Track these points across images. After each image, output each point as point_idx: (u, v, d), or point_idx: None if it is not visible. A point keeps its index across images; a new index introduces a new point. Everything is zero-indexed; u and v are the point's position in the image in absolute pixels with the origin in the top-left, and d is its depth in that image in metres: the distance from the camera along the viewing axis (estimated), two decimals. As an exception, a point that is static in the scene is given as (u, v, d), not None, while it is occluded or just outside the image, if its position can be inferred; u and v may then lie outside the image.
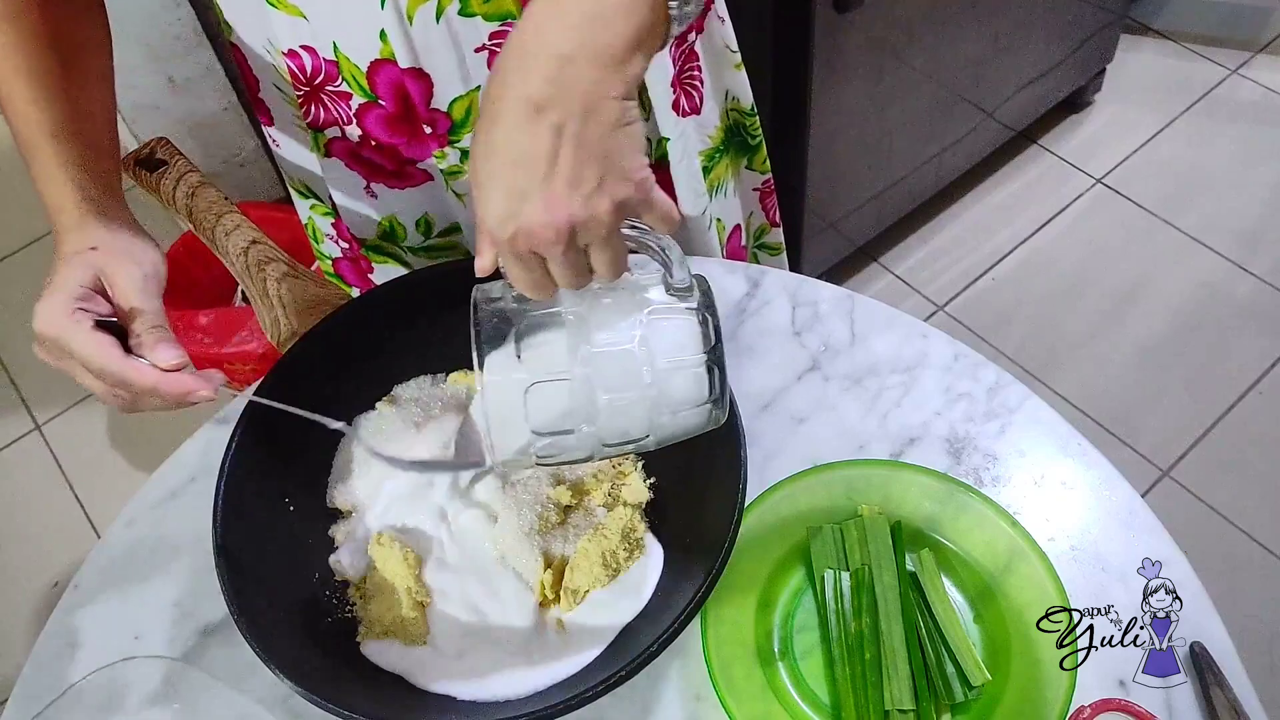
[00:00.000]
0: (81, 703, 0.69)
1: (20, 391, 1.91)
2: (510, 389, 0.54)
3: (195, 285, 1.64)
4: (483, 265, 0.53)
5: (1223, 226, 1.90)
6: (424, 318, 0.75)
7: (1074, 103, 2.06)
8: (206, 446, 0.81)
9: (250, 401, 0.69)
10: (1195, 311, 1.79)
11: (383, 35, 0.68)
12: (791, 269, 0.90)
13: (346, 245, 0.91)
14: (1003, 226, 1.94)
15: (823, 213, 1.63)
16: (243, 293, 1.60)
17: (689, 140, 0.85)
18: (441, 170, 0.78)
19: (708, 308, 0.56)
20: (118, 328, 0.60)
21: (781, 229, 1.08)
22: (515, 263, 0.50)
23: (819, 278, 0.87)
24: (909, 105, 1.60)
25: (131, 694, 0.70)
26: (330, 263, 0.95)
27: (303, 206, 0.91)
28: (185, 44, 1.75)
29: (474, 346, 0.54)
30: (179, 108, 1.82)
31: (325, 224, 0.90)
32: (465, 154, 0.77)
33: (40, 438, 1.85)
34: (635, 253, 0.53)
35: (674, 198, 0.88)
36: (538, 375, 0.54)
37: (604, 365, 0.55)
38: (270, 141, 0.86)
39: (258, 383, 0.71)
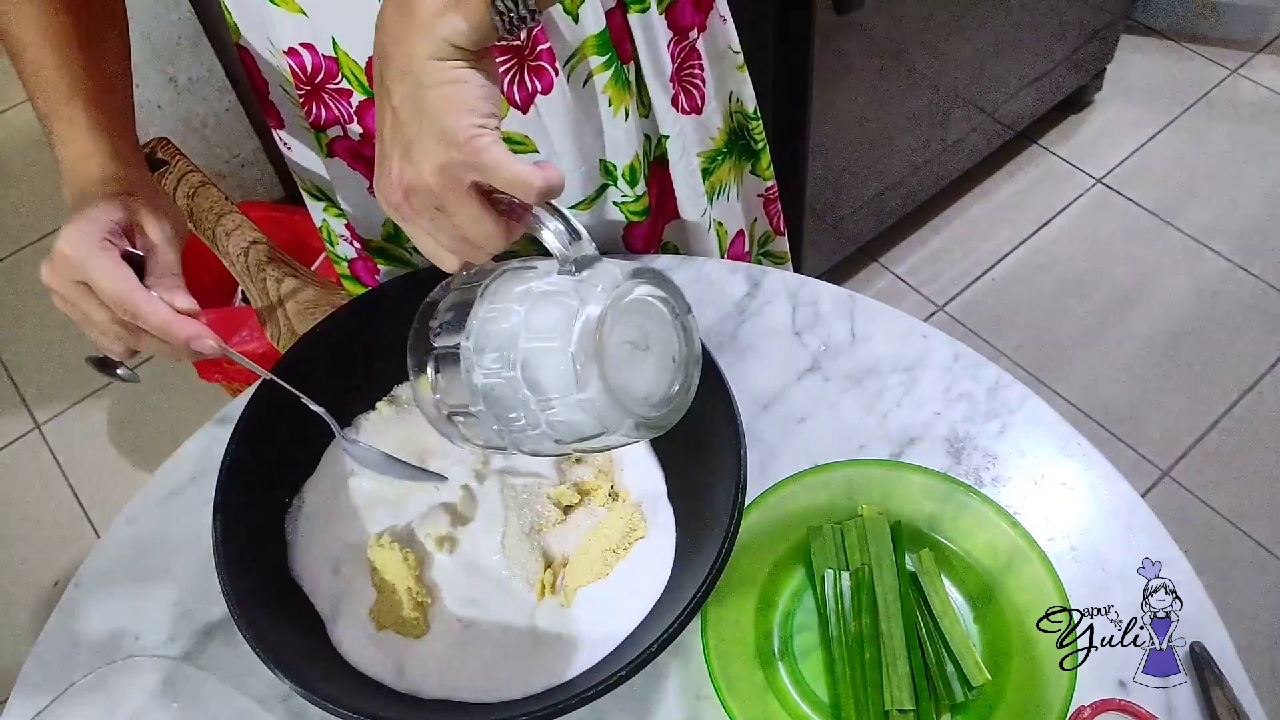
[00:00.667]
0: (81, 703, 0.69)
1: (20, 391, 1.91)
2: (419, 352, 0.56)
3: (195, 285, 1.63)
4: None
5: (1223, 226, 1.90)
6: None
7: (1074, 103, 2.06)
8: (206, 446, 0.81)
9: (256, 391, 0.69)
10: (1195, 311, 1.79)
11: None
12: (792, 269, 0.90)
13: (359, 246, 0.91)
14: (1003, 226, 1.94)
15: (823, 213, 1.63)
16: (243, 293, 1.60)
17: (688, 139, 0.85)
18: None
19: (596, 291, 0.52)
20: (137, 267, 0.62)
21: (786, 237, 1.07)
22: (404, 228, 0.53)
23: (819, 278, 0.87)
24: (909, 105, 1.60)
25: (131, 694, 0.70)
26: (346, 264, 0.95)
27: (316, 209, 0.91)
28: (186, 44, 1.75)
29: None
30: (180, 108, 1.82)
31: (339, 225, 0.90)
32: None
33: (40, 438, 1.85)
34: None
35: (673, 197, 0.88)
36: (439, 345, 0.55)
37: (482, 342, 0.54)
38: (281, 144, 0.86)
39: (252, 389, 0.71)
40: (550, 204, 0.52)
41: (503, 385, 0.53)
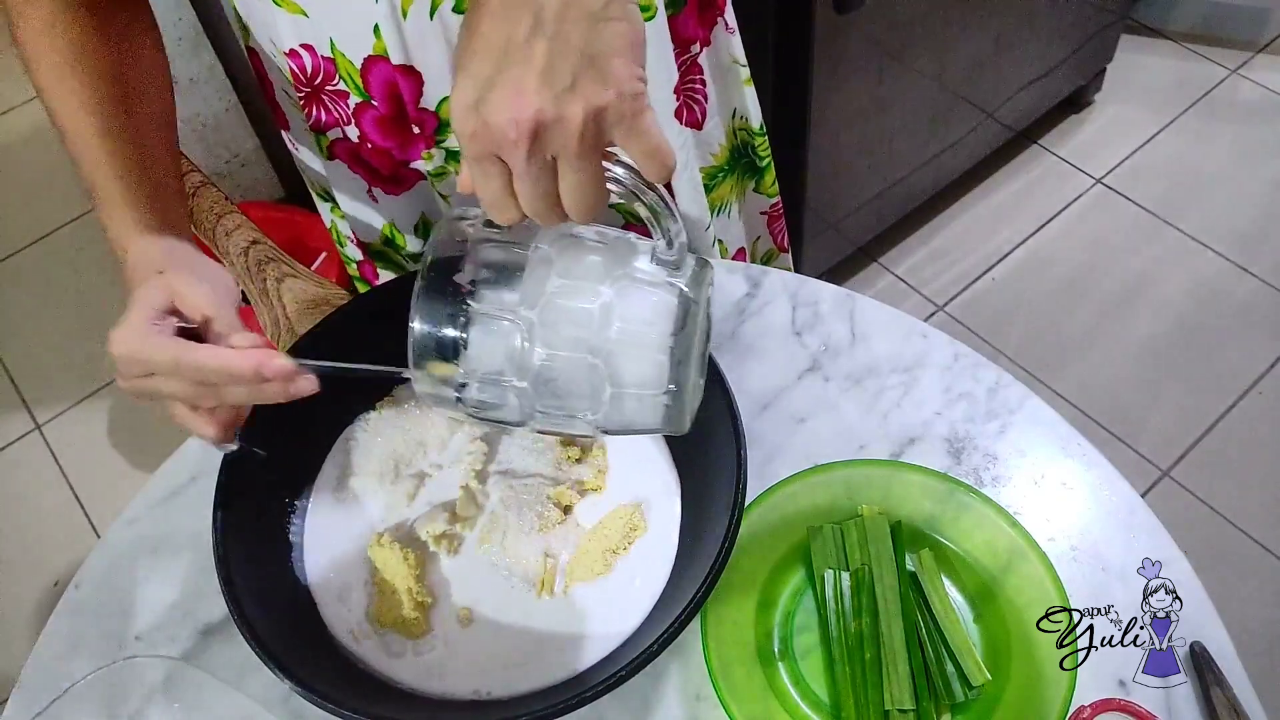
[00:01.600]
0: (81, 703, 0.69)
1: (20, 391, 1.91)
2: (443, 307, 0.49)
3: (195, 285, 1.64)
4: (463, 179, 0.47)
5: (1223, 226, 1.90)
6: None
7: (1074, 103, 2.06)
8: (206, 446, 0.81)
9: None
10: (1195, 311, 1.79)
11: (376, 30, 0.68)
12: (792, 269, 0.90)
13: (363, 249, 0.91)
14: (1003, 226, 1.94)
15: (823, 213, 1.63)
16: (243, 293, 1.60)
17: (689, 152, 0.84)
18: (428, 171, 0.78)
19: (695, 289, 0.50)
20: (198, 335, 0.59)
21: (790, 254, 1.06)
22: (476, 168, 0.45)
23: (819, 278, 0.87)
24: (909, 105, 1.60)
25: (131, 694, 0.70)
26: (355, 265, 0.95)
27: (324, 209, 0.91)
28: (187, 45, 1.75)
29: (424, 256, 0.50)
30: (180, 108, 1.80)
31: (345, 227, 0.90)
32: (450, 154, 0.77)
33: (40, 438, 1.85)
34: (630, 225, 0.49)
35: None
36: (480, 306, 0.49)
37: (553, 317, 0.49)
38: (291, 145, 0.86)
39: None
40: (664, 190, 0.48)
41: (570, 368, 0.49)
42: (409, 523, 0.73)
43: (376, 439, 0.76)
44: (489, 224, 0.50)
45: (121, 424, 1.85)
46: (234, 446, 0.63)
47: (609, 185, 0.46)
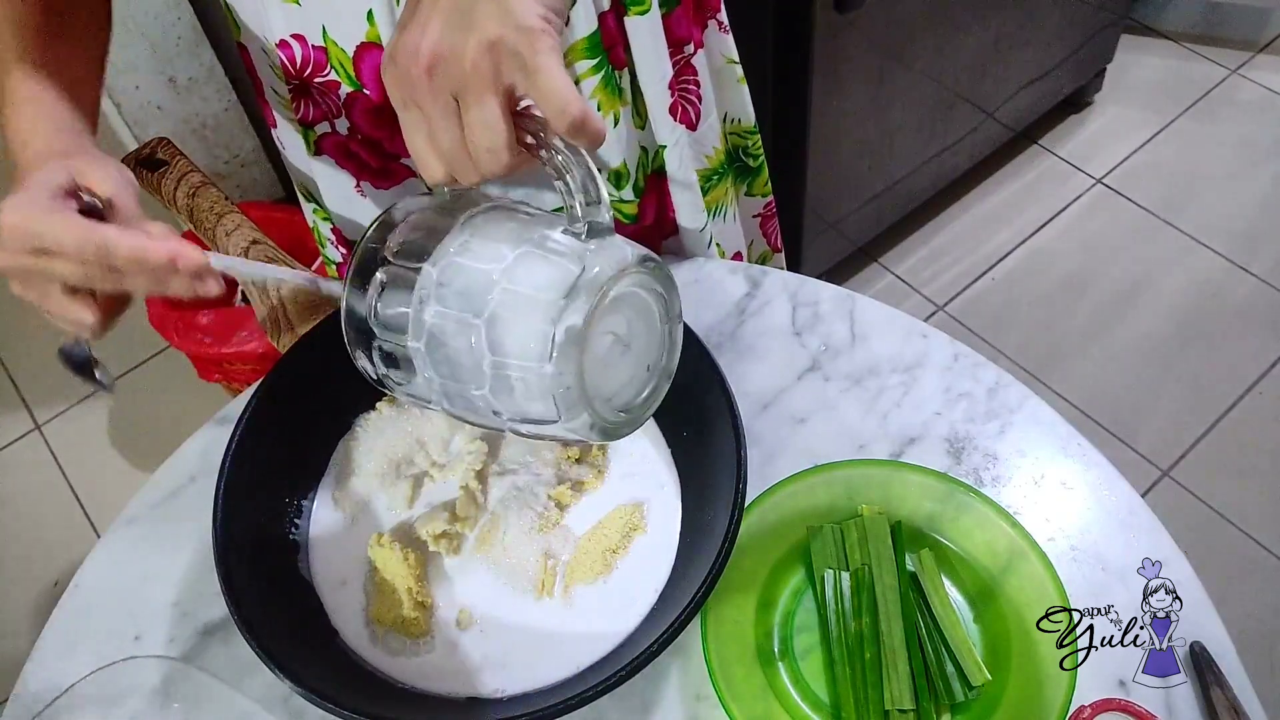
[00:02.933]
0: (81, 703, 0.69)
1: (20, 391, 1.91)
2: (372, 257, 0.49)
3: (195, 285, 1.64)
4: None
5: (1223, 226, 1.90)
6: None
7: (1074, 103, 2.06)
8: (206, 446, 0.81)
9: (257, 390, 0.69)
10: (1195, 311, 1.79)
11: (370, 17, 0.67)
12: (791, 269, 0.90)
13: (344, 251, 0.91)
14: (1003, 226, 1.94)
15: (823, 213, 1.63)
16: (243, 293, 1.60)
17: (684, 149, 0.84)
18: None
19: (606, 264, 0.46)
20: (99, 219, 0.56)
21: (784, 254, 1.06)
22: (402, 117, 0.46)
23: (819, 278, 0.87)
24: (909, 105, 1.60)
25: (131, 694, 0.70)
26: (335, 267, 0.95)
27: (307, 210, 0.91)
28: (186, 44, 1.75)
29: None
30: (180, 108, 1.82)
31: (327, 229, 0.90)
32: None
33: (40, 438, 1.85)
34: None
35: (671, 209, 0.87)
36: (396, 262, 0.49)
37: (449, 275, 0.47)
38: (278, 144, 0.86)
39: (252, 389, 0.71)
40: (581, 152, 0.46)
41: (456, 331, 0.47)
42: (409, 523, 0.73)
43: (377, 439, 0.76)
44: (441, 195, 0.50)
45: (121, 424, 1.85)
46: (90, 341, 0.61)
47: (528, 141, 0.45)
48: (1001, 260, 1.90)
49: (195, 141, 1.87)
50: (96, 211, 0.57)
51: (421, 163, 0.47)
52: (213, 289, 0.56)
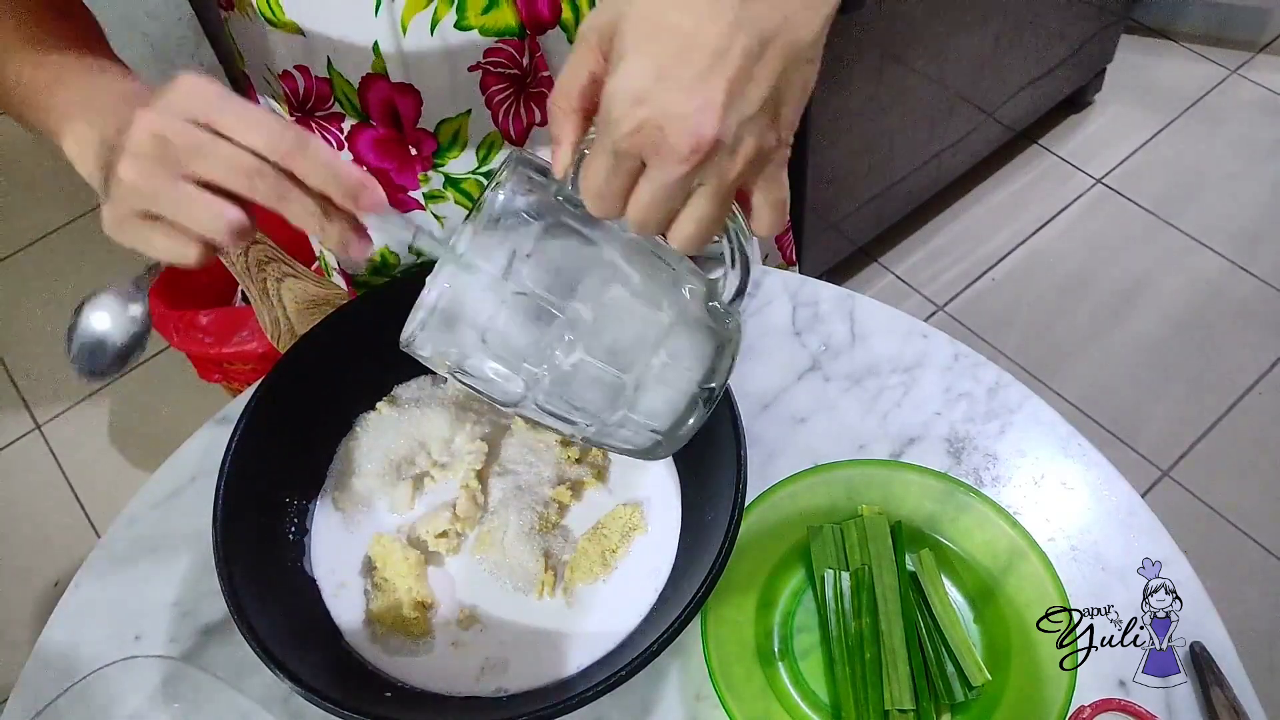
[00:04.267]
0: (81, 703, 0.69)
1: (20, 391, 1.91)
2: (485, 269, 0.45)
3: (195, 285, 1.64)
4: (561, 162, 0.43)
5: (1223, 226, 1.90)
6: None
7: (1074, 103, 2.06)
8: (206, 446, 0.81)
9: (257, 390, 0.69)
10: (1195, 311, 1.79)
11: (376, 48, 0.66)
12: (792, 269, 0.90)
13: (346, 279, 0.90)
14: (1003, 226, 1.94)
15: (823, 213, 1.63)
16: (243, 293, 1.60)
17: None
18: (423, 194, 0.77)
19: (735, 347, 0.49)
20: None
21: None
22: (609, 160, 0.40)
23: (819, 278, 0.87)
24: (909, 105, 1.60)
25: (131, 694, 0.70)
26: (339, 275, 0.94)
27: (314, 237, 0.90)
28: (187, 44, 1.75)
29: (484, 197, 0.45)
30: (179, 108, 1.82)
31: (331, 258, 0.89)
32: (449, 179, 0.75)
33: (40, 438, 1.85)
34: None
35: None
36: (524, 283, 0.45)
37: (603, 324, 0.46)
38: None
39: (252, 389, 0.71)
40: (757, 248, 0.47)
41: (593, 377, 0.46)
42: (409, 522, 0.73)
43: (377, 439, 0.76)
44: (564, 198, 0.46)
45: (121, 424, 1.85)
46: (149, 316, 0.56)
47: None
48: (1001, 260, 1.90)
49: (195, 141, 1.87)
50: None
51: (603, 200, 0.42)
52: (365, 250, 0.49)
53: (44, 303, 2.00)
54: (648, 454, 0.51)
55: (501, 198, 0.45)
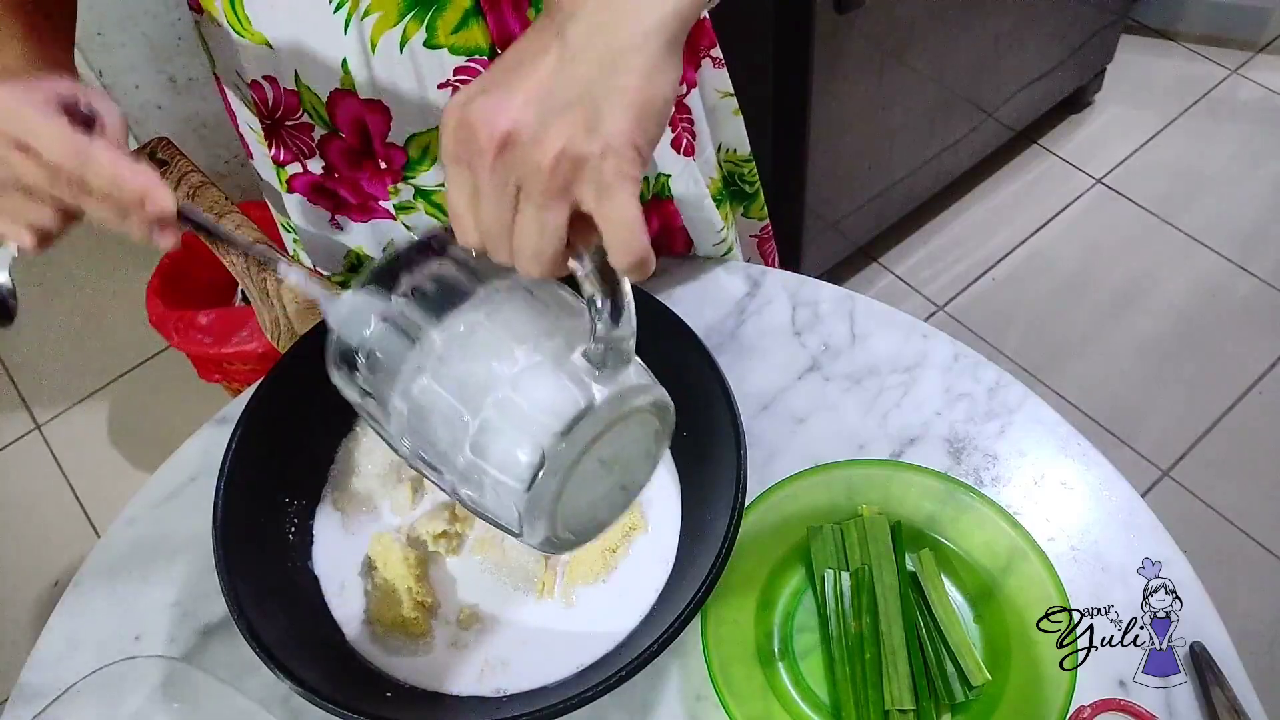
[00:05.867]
0: (81, 703, 0.69)
1: (20, 391, 1.91)
2: (379, 289, 0.47)
3: (195, 285, 1.64)
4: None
5: (1223, 226, 1.90)
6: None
7: (1074, 103, 2.06)
8: (206, 446, 0.81)
9: (257, 390, 0.69)
10: (1195, 311, 1.79)
11: (344, 65, 0.66)
12: (791, 269, 0.90)
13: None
14: (1003, 226, 1.94)
15: (823, 213, 1.63)
16: (243, 293, 1.60)
17: (694, 171, 0.83)
18: (394, 205, 0.77)
19: (611, 407, 0.44)
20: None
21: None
22: (449, 170, 0.43)
23: (819, 278, 0.87)
24: (909, 105, 1.60)
25: (131, 694, 0.69)
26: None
27: (288, 240, 0.90)
28: (187, 44, 1.75)
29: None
30: (180, 108, 1.82)
31: (307, 259, 0.89)
32: (419, 191, 0.75)
33: (40, 438, 1.85)
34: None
35: (679, 234, 0.87)
36: (405, 310, 0.46)
37: (453, 354, 0.45)
38: (256, 174, 0.85)
39: (252, 389, 0.71)
40: (622, 281, 0.43)
41: (443, 416, 0.45)
42: (409, 523, 0.73)
43: (378, 439, 0.75)
44: (467, 262, 0.48)
45: (121, 424, 1.85)
46: (13, 267, 0.57)
47: (571, 261, 0.42)
48: (1001, 260, 1.90)
49: (195, 141, 1.87)
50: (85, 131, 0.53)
51: (457, 223, 0.44)
52: (168, 241, 0.53)
53: (44, 303, 2.01)
54: (527, 535, 0.46)
55: (401, 246, 0.48)
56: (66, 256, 2.08)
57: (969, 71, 1.65)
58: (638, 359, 0.47)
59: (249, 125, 0.77)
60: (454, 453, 0.46)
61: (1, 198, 0.52)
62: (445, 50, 0.66)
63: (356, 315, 0.48)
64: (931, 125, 1.69)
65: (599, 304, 0.43)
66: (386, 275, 0.48)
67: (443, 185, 0.74)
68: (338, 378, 0.50)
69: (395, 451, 0.50)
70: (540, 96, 0.40)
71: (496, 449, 0.44)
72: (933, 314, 1.83)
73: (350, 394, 0.51)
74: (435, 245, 0.49)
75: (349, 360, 0.49)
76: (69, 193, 0.51)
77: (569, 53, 0.41)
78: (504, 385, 0.44)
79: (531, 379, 0.45)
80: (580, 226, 0.42)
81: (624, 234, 0.40)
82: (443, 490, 0.49)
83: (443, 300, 0.47)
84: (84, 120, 0.53)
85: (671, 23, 0.41)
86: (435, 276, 0.47)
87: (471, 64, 0.67)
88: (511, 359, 0.45)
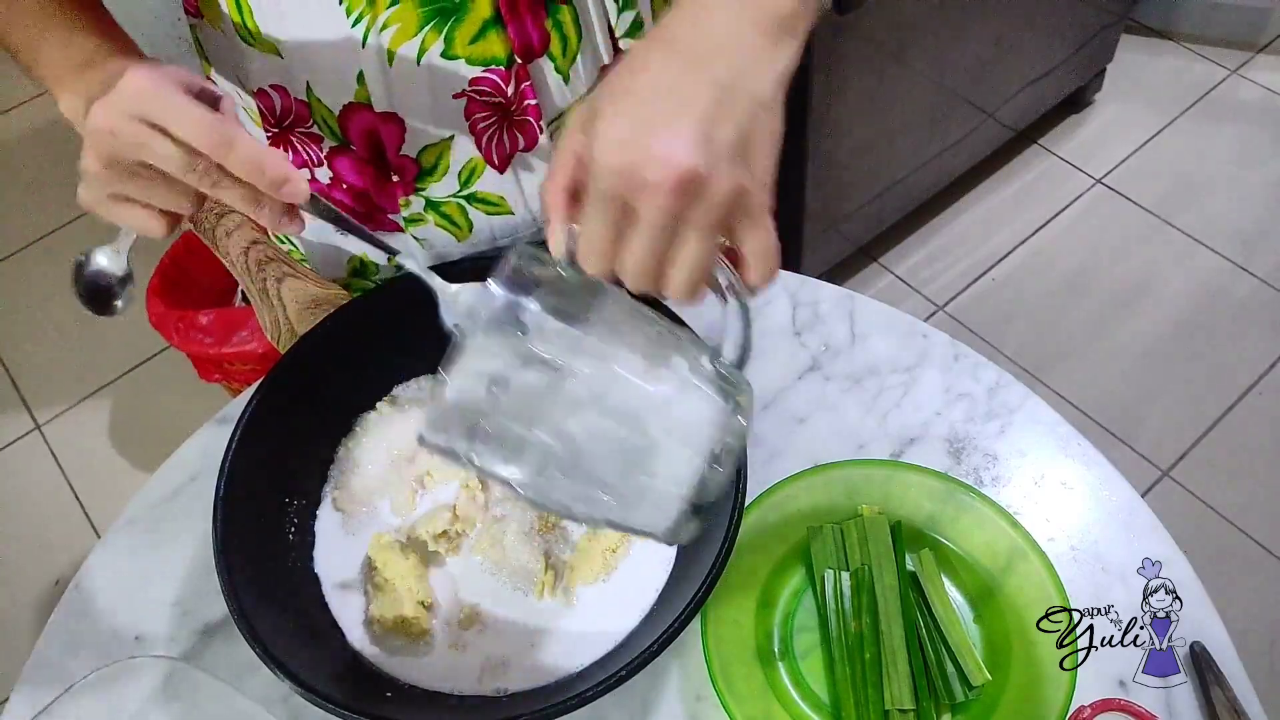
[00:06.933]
0: (81, 703, 0.69)
1: (20, 391, 1.91)
2: (486, 354, 0.47)
3: (195, 285, 1.64)
4: (555, 239, 0.46)
5: (1223, 226, 1.90)
6: (424, 318, 0.75)
7: (1074, 103, 2.06)
8: (206, 446, 0.81)
9: (257, 389, 0.69)
10: (1195, 311, 1.79)
11: (360, 78, 0.65)
12: (791, 269, 0.90)
13: None
14: (1003, 226, 1.94)
15: (823, 213, 1.63)
16: (243, 293, 1.60)
17: None
18: (404, 217, 0.76)
19: (746, 412, 0.49)
20: None
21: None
22: (597, 206, 0.43)
23: (819, 278, 0.87)
24: (910, 105, 1.60)
25: (131, 694, 0.70)
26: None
27: (283, 245, 0.89)
28: (187, 44, 1.75)
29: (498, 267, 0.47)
30: (179, 108, 1.81)
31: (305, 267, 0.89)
32: (429, 203, 0.74)
33: (40, 438, 1.85)
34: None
35: None
36: (541, 348, 0.46)
37: (607, 388, 0.47)
38: None
39: (252, 389, 0.71)
40: (751, 304, 0.47)
41: (608, 444, 0.47)
42: (410, 523, 0.73)
43: (378, 439, 0.76)
44: (559, 269, 0.48)
45: (121, 424, 1.85)
46: (131, 257, 0.58)
47: (717, 275, 0.46)
48: (1001, 260, 1.90)
49: (195, 141, 1.87)
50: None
51: (593, 253, 0.45)
52: (296, 227, 0.55)
53: (44, 303, 2.01)
54: (670, 534, 0.50)
55: (501, 285, 0.47)
56: (67, 256, 2.08)
57: (969, 71, 1.65)
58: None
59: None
60: (625, 476, 0.48)
61: (132, 182, 0.52)
62: (463, 61, 0.65)
63: (478, 321, 0.48)
64: (932, 125, 1.69)
65: (738, 313, 0.47)
66: (510, 308, 0.47)
67: (454, 196, 0.74)
68: (444, 431, 0.49)
69: (504, 482, 0.50)
70: (707, 133, 0.42)
71: (664, 463, 0.48)
72: (933, 314, 1.83)
73: (460, 445, 0.49)
74: (522, 267, 0.48)
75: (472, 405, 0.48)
76: (206, 178, 0.51)
77: (720, 90, 0.43)
78: (668, 407, 0.48)
79: (686, 397, 0.48)
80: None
81: (768, 259, 0.45)
82: (567, 516, 0.52)
83: (567, 327, 0.47)
84: (210, 104, 0.53)
85: (787, 73, 0.45)
86: (552, 308, 0.47)
87: (488, 74, 0.66)
88: (658, 378, 0.48)
